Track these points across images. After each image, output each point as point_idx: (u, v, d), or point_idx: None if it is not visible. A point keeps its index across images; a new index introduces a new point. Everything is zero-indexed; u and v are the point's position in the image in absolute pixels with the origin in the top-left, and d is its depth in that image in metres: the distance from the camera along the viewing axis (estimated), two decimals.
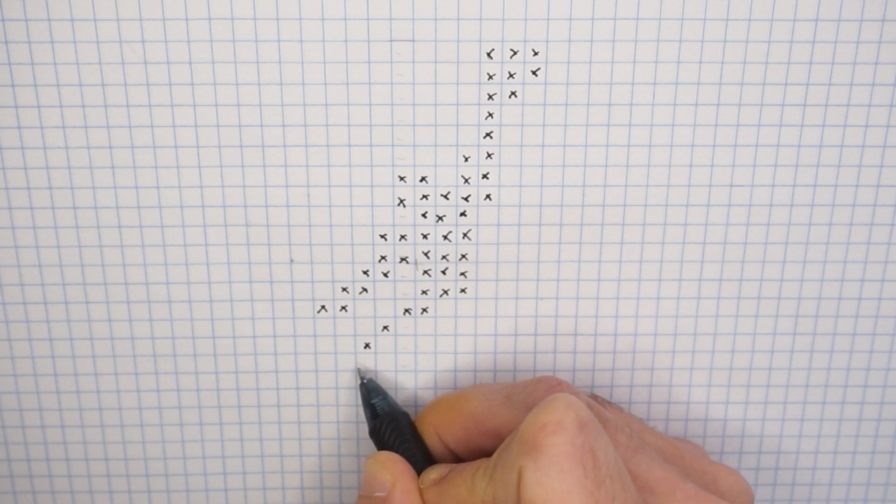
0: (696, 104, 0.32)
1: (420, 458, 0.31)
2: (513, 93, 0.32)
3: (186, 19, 0.31)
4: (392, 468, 0.30)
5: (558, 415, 0.26)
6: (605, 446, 0.26)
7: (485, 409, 0.31)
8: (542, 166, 0.33)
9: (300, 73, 0.31)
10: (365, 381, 0.34)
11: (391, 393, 0.35)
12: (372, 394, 0.34)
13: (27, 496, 0.36)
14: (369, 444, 0.35)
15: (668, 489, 0.28)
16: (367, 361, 0.35)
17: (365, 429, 0.35)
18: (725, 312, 0.35)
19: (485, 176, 0.33)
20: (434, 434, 0.32)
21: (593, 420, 0.26)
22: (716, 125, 0.32)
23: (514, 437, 0.27)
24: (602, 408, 0.30)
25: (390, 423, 0.32)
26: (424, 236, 0.34)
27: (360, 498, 0.31)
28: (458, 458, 0.32)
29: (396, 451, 0.31)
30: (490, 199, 0.33)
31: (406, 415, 0.33)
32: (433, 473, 0.30)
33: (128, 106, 0.32)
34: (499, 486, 0.26)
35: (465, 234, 0.34)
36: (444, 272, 0.34)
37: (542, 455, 0.25)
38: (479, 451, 0.31)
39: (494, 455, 0.27)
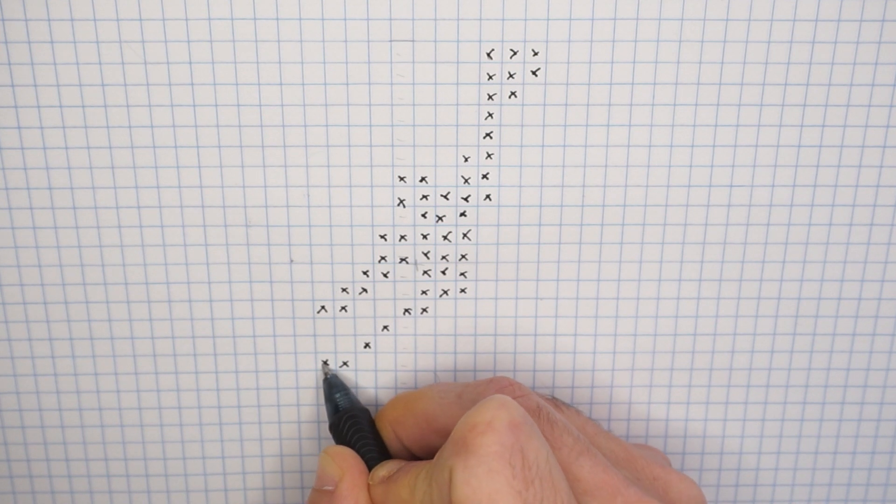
0: (696, 104, 0.32)
1: (376, 453, 0.32)
2: (513, 93, 0.32)
3: (186, 19, 0.31)
4: (341, 462, 0.31)
5: (489, 415, 0.26)
6: (538, 447, 0.26)
7: (436, 407, 0.31)
8: (542, 167, 0.33)
9: (300, 74, 0.31)
10: (328, 376, 0.34)
11: (391, 393, 0.35)
12: (334, 389, 0.34)
13: (27, 496, 0.36)
14: None
15: (610, 493, 0.28)
16: (367, 361, 0.35)
17: None
18: (725, 313, 0.35)
19: (485, 176, 0.33)
20: (391, 431, 0.32)
21: (527, 421, 0.26)
22: (715, 125, 0.32)
23: (449, 438, 0.27)
24: (555, 409, 0.30)
25: (349, 419, 0.33)
26: (424, 236, 0.34)
27: (312, 491, 0.31)
28: (413, 455, 0.32)
29: (353, 446, 0.32)
30: (490, 199, 0.33)
31: (366, 411, 0.33)
32: (382, 470, 0.30)
33: (128, 106, 0.32)
34: (434, 487, 0.27)
35: (464, 235, 0.34)
36: (443, 272, 0.34)
37: (471, 455, 0.26)
38: (432, 448, 0.31)
39: (435, 457, 0.28)
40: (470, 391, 0.30)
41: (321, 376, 0.35)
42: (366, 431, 0.32)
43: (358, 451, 0.32)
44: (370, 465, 0.31)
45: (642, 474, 0.30)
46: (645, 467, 0.30)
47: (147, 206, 0.33)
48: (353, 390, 0.35)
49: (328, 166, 0.33)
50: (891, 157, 0.33)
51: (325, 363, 0.35)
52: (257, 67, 0.31)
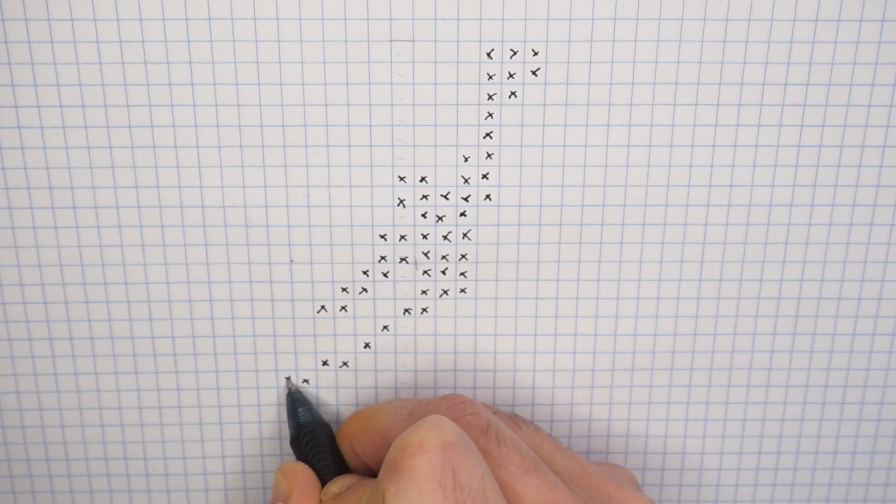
0: (696, 104, 0.32)
1: (332, 468, 0.32)
2: (513, 93, 0.32)
3: (186, 19, 0.31)
4: (291, 478, 0.31)
5: (421, 436, 0.26)
6: (471, 467, 0.26)
7: (390, 424, 0.31)
8: (542, 166, 0.33)
9: (300, 74, 0.31)
10: (292, 391, 0.34)
11: (391, 394, 0.35)
12: (297, 404, 0.34)
13: (27, 496, 0.36)
14: None
15: None
16: (367, 361, 0.35)
17: None
18: (725, 313, 0.35)
19: (485, 176, 0.33)
20: (349, 446, 0.33)
21: (462, 440, 0.27)
22: (715, 125, 0.32)
23: (385, 459, 0.27)
24: (513, 426, 0.31)
25: (308, 434, 0.33)
26: (424, 236, 0.34)
27: None
28: (371, 470, 0.32)
29: (311, 461, 0.32)
30: (490, 199, 0.33)
31: (327, 426, 0.33)
32: (334, 486, 0.31)
33: (128, 106, 0.32)
34: None
35: (464, 235, 0.34)
36: (443, 272, 0.34)
37: (401, 477, 0.26)
38: None
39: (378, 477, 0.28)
40: (422, 409, 0.31)
41: (284, 391, 0.35)
42: (324, 446, 0.33)
43: (315, 466, 0.32)
44: (325, 479, 0.32)
45: (596, 492, 0.30)
46: (600, 485, 0.30)
47: (147, 206, 0.33)
48: (316, 406, 0.35)
49: (328, 166, 0.33)
50: (891, 157, 0.33)
51: (288, 379, 0.35)
52: (257, 67, 0.31)
